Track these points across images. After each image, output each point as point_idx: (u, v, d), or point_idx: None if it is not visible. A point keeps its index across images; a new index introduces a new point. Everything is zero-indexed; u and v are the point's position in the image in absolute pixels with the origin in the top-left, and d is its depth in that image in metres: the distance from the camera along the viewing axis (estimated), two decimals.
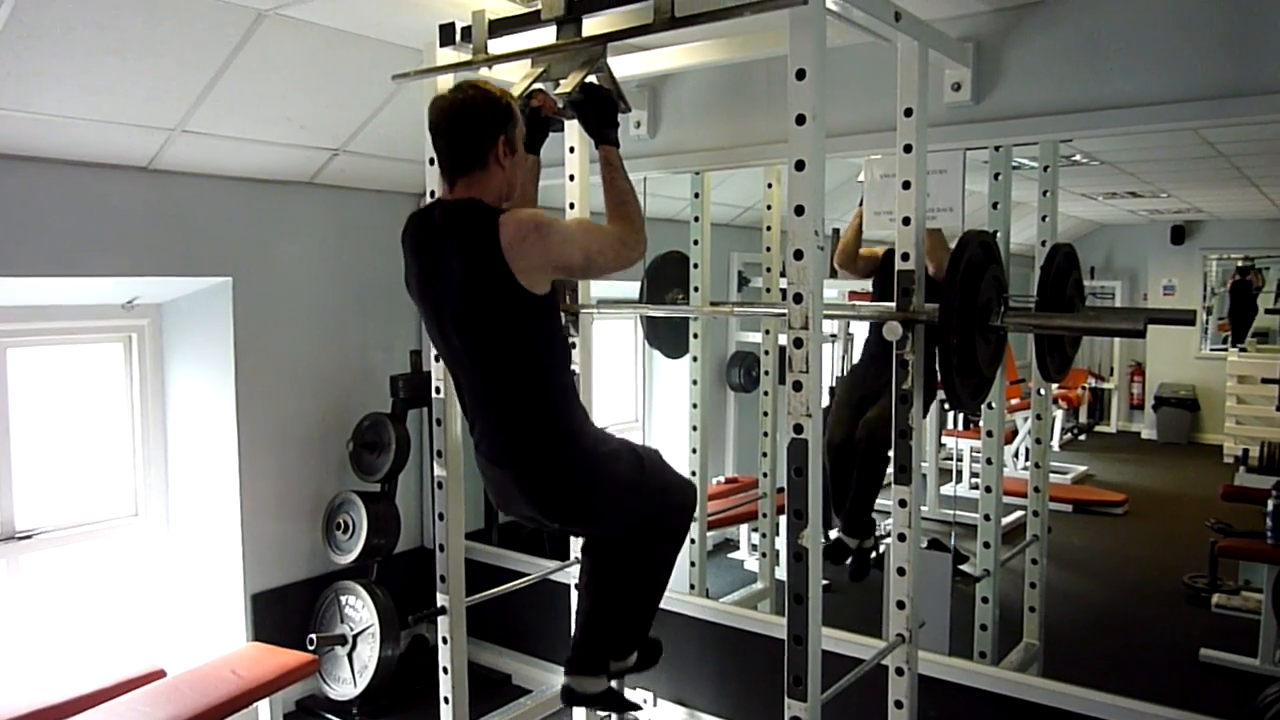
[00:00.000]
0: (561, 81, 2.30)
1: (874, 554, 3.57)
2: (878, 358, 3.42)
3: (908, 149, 2.27)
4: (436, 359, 2.74)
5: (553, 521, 2.37)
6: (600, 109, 2.34)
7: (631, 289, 3.86)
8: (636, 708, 2.66)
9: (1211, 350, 8.82)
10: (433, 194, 2.73)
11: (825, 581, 1.96)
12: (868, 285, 3.86)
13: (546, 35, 2.35)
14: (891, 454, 2.35)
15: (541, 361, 2.22)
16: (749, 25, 2.23)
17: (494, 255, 2.07)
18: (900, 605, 2.33)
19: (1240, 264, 8.53)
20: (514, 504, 2.37)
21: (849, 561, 3.55)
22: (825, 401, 3.89)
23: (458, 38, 2.51)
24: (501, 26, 2.42)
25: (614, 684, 2.58)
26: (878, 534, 3.55)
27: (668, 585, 2.54)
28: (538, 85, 2.40)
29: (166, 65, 2.80)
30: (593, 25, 2.31)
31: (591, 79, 2.33)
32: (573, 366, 2.31)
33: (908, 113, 2.27)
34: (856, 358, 4.39)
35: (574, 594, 2.57)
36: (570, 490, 2.29)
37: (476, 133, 2.13)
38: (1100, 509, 6.30)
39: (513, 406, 2.24)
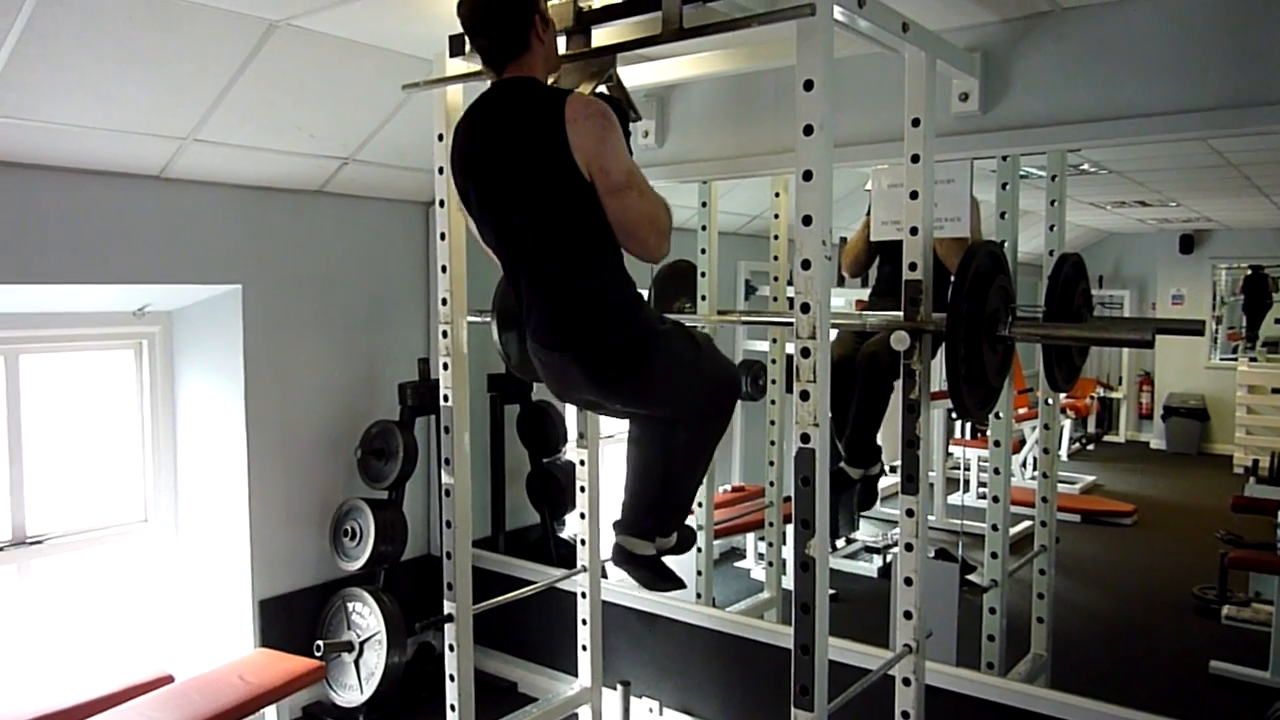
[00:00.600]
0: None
1: (880, 478, 3.54)
2: (886, 295, 3.40)
3: (915, 159, 2.28)
4: (445, 367, 2.75)
5: (613, 400, 2.38)
6: None
7: (636, 286, 3.87)
8: (682, 584, 2.67)
9: (1221, 360, 8.81)
10: (441, 203, 2.74)
11: (832, 591, 1.96)
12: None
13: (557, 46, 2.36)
14: (894, 381, 2.33)
15: (601, 238, 2.19)
16: (757, 36, 2.24)
17: (557, 129, 2.06)
18: (907, 615, 2.33)
19: (1250, 275, 8.52)
20: (573, 387, 2.38)
21: (857, 490, 3.50)
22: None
23: (468, 48, 2.51)
24: None
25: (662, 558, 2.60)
26: (884, 461, 3.52)
27: (709, 466, 2.61)
28: None
29: (179, 75, 2.82)
30: (602, 36, 2.32)
31: (602, 89, 2.34)
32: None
33: (915, 123, 2.28)
34: None
35: (625, 471, 2.59)
36: (631, 367, 2.28)
37: (513, 18, 2.14)
38: (1109, 519, 6.28)
39: (575, 283, 2.22)
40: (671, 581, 2.66)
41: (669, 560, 2.64)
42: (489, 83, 2.24)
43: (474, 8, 2.15)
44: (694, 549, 3.73)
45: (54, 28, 2.43)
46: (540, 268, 2.23)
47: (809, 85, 1.81)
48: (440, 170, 2.74)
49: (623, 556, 2.57)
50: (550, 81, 2.31)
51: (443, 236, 2.75)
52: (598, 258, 2.21)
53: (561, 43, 2.34)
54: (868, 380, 3.33)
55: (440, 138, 2.72)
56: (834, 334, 3.51)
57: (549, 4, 2.24)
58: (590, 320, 2.23)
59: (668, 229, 2.22)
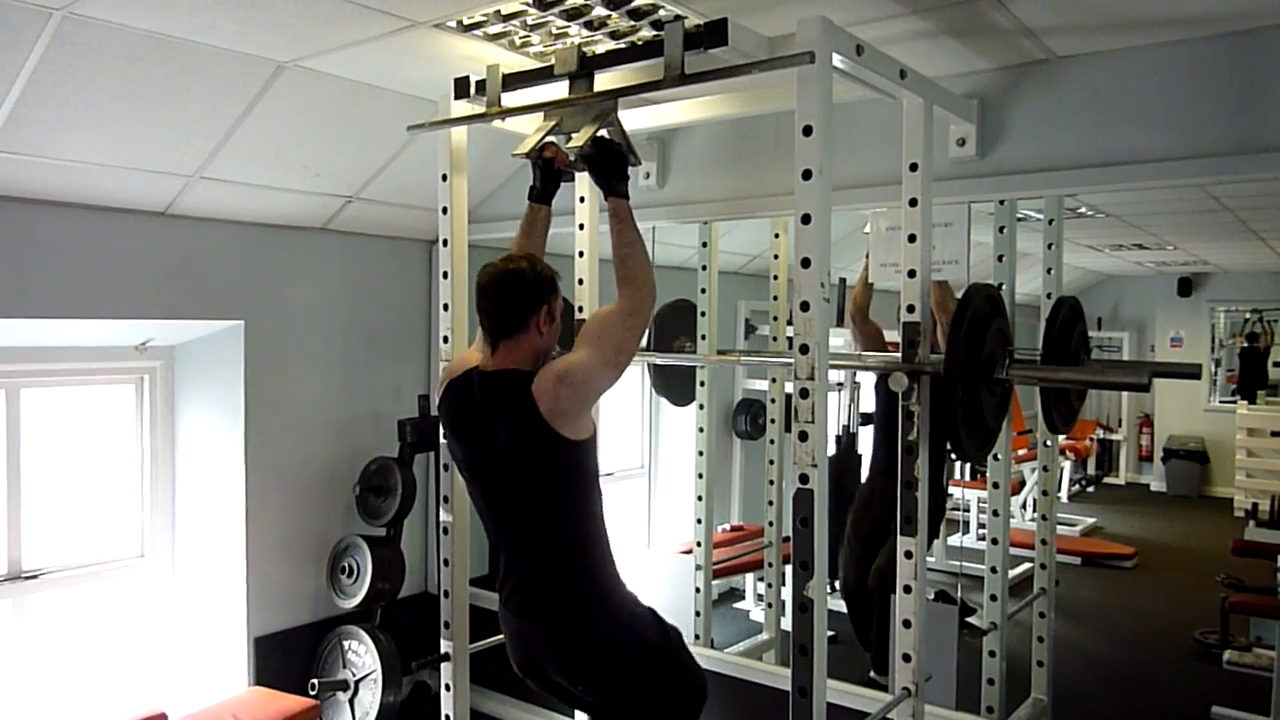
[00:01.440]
0: (574, 135, 2.35)
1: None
2: (883, 477, 3.50)
3: (913, 203, 2.31)
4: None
5: (575, 683, 2.36)
6: (611, 163, 2.38)
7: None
8: None
9: (1220, 402, 8.82)
10: (445, 241, 2.77)
11: (831, 633, 1.95)
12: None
13: (559, 89, 2.40)
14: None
15: (584, 513, 2.30)
16: (757, 81, 2.28)
17: (536, 421, 2.18)
18: (906, 658, 2.32)
19: (1248, 321, 8.54)
20: (538, 664, 2.38)
21: None
22: (831, 450, 3.92)
23: (472, 91, 2.56)
24: (515, 80, 2.47)
25: None
26: None
27: None
28: (550, 138, 2.45)
29: (187, 114, 2.86)
30: (604, 81, 2.36)
31: (603, 133, 2.38)
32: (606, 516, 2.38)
33: (913, 167, 2.31)
34: (865, 406, 4.42)
35: None
36: (598, 649, 2.31)
37: (523, 301, 2.26)
38: (1109, 562, 6.26)
39: (551, 559, 2.31)
40: None
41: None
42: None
43: (493, 278, 2.28)
44: (693, 589, 3.75)
45: (64, 67, 2.47)
46: (525, 546, 2.33)
47: (808, 131, 1.84)
48: (444, 210, 2.77)
49: None
50: (548, 127, 2.40)
51: (445, 275, 2.77)
52: (576, 537, 2.30)
53: (565, 87, 2.38)
54: (884, 602, 3.41)
55: (444, 178, 2.76)
56: (844, 555, 3.76)
57: (544, 49, 2.28)
58: (562, 597, 2.30)
59: (645, 279, 2.32)
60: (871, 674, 3.47)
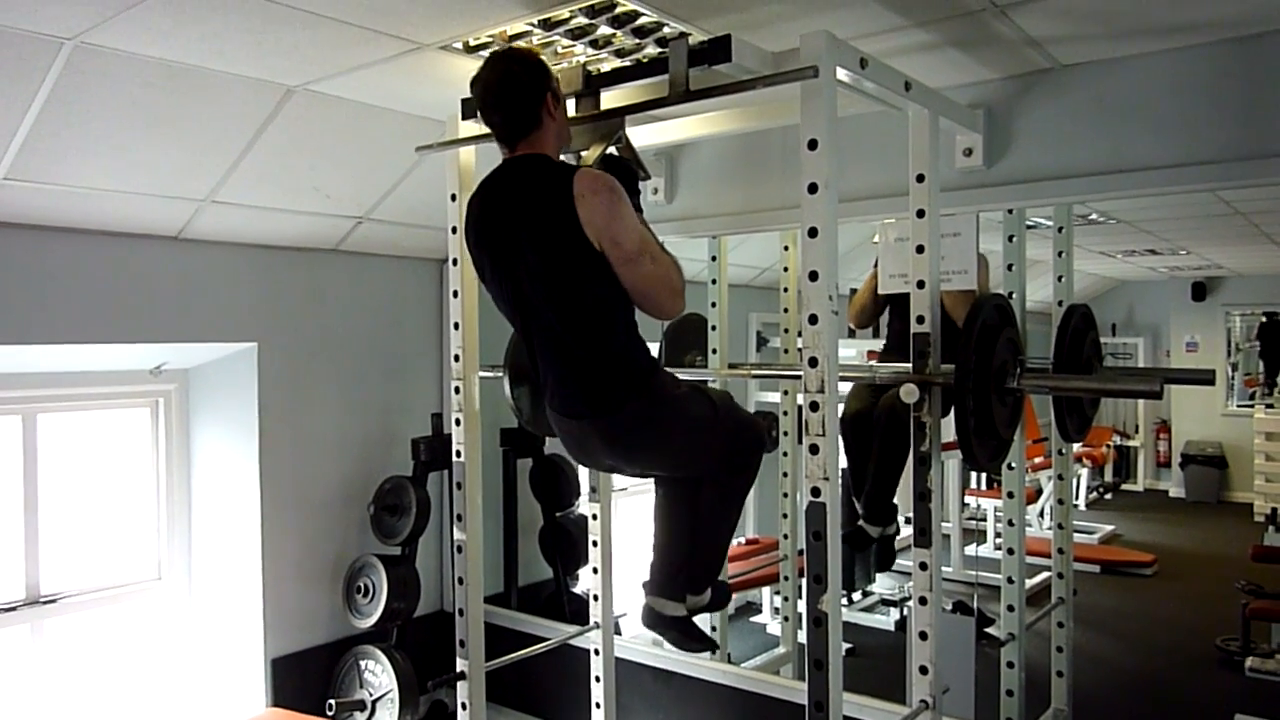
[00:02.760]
0: (583, 154, 2.36)
1: (897, 535, 3.50)
2: (895, 350, 3.41)
3: (920, 214, 2.30)
4: (457, 422, 2.77)
5: (632, 466, 2.40)
6: (621, 179, 2.38)
7: (650, 351, 3.89)
8: (713, 646, 2.64)
9: (1238, 406, 8.75)
10: (454, 261, 2.78)
11: (848, 645, 1.94)
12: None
13: (567, 109, 2.42)
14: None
15: (613, 308, 2.24)
16: (762, 96, 2.28)
17: (566, 204, 2.10)
18: (923, 670, 2.30)
19: (1265, 321, 8.49)
20: (592, 454, 2.41)
21: (873, 549, 3.46)
22: (844, 462, 3.90)
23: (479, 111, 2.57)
24: None
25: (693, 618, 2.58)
26: (900, 519, 3.48)
27: (738, 521, 2.57)
28: (561, 158, 2.46)
29: (198, 139, 2.89)
30: (610, 98, 2.38)
31: (612, 150, 2.39)
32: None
33: (920, 178, 2.31)
34: None
35: (652, 526, 2.59)
36: (649, 433, 2.32)
37: (525, 97, 2.20)
38: (1128, 569, 6.20)
39: (589, 352, 2.25)
40: (702, 642, 2.64)
41: (700, 620, 2.62)
42: (501, 156, 2.29)
43: (487, 86, 2.22)
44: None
45: (76, 95, 2.50)
46: (555, 339, 2.27)
47: (813, 144, 1.85)
48: (454, 229, 2.78)
49: (652, 618, 2.56)
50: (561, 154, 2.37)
51: (455, 294, 2.78)
52: (610, 328, 2.25)
53: (571, 105, 2.39)
54: (886, 434, 3.31)
55: (453, 198, 2.78)
56: (848, 389, 3.54)
57: (559, 79, 2.29)
58: (606, 389, 2.26)
59: (681, 288, 2.27)
60: (860, 523, 3.37)
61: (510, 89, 2.20)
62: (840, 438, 3.72)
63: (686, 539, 2.52)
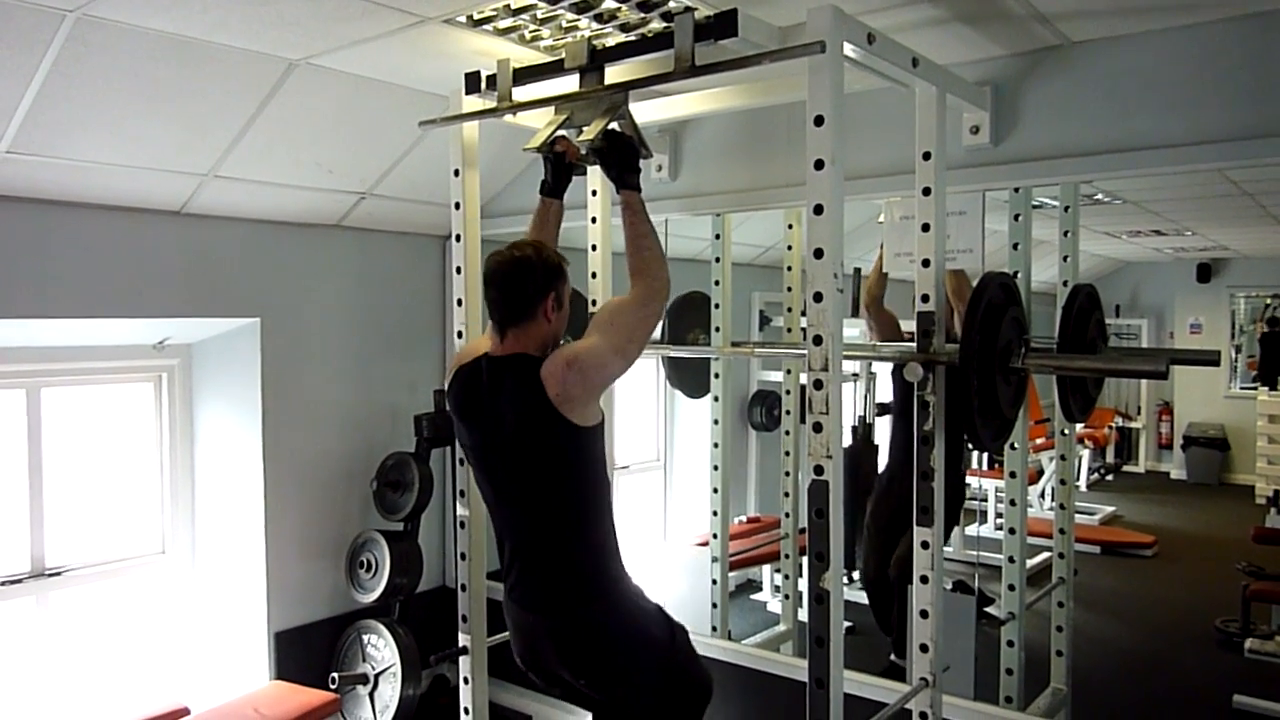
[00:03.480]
0: (585, 128, 2.34)
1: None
2: (901, 467, 3.47)
3: (926, 192, 2.29)
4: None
5: (579, 677, 2.34)
6: (622, 156, 2.38)
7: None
8: None
9: (1241, 389, 8.74)
10: (458, 237, 2.78)
11: (848, 624, 1.95)
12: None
13: (569, 83, 2.40)
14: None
15: (591, 502, 2.29)
16: (768, 72, 2.27)
17: (543, 405, 2.17)
18: (924, 649, 2.32)
19: (1269, 306, 8.46)
20: (541, 656, 2.37)
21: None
22: (847, 440, 3.91)
23: (483, 85, 2.56)
24: (526, 75, 2.47)
25: None
26: None
27: None
28: (561, 132, 2.45)
29: (200, 114, 2.88)
30: (614, 73, 2.36)
31: (614, 126, 2.37)
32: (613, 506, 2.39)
33: (926, 156, 2.29)
34: (879, 397, 4.41)
35: None
36: (601, 642, 2.30)
37: (530, 288, 2.26)
38: (1129, 550, 6.22)
39: (557, 549, 2.30)
40: None
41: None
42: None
43: (499, 265, 2.27)
44: (710, 581, 3.74)
45: (78, 68, 2.48)
46: (530, 534, 2.31)
47: (819, 121, 1.83)
48: (457, 205, 2.77)
49: None
50: (559, 120, 2.38)
51: (459, 270, 2.78)
52: (582, 526, 2.28)
53: (574, 81, 2.38)
54: (904, 590, 3.39)
55: (456, 173, 2.77)
56: (865, 546, 3.74)
57: (554, 44, 2.27)
58: (567, 589, 2.29)
59: (658, 271, 2.31)
60: (892, 657, 3.45)
61: (519, 276, 2.25)
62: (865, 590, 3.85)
63: None
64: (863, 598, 4.93)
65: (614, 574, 2.32)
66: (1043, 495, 6.26)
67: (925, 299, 2.30)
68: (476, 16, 2.47)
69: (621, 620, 2.30)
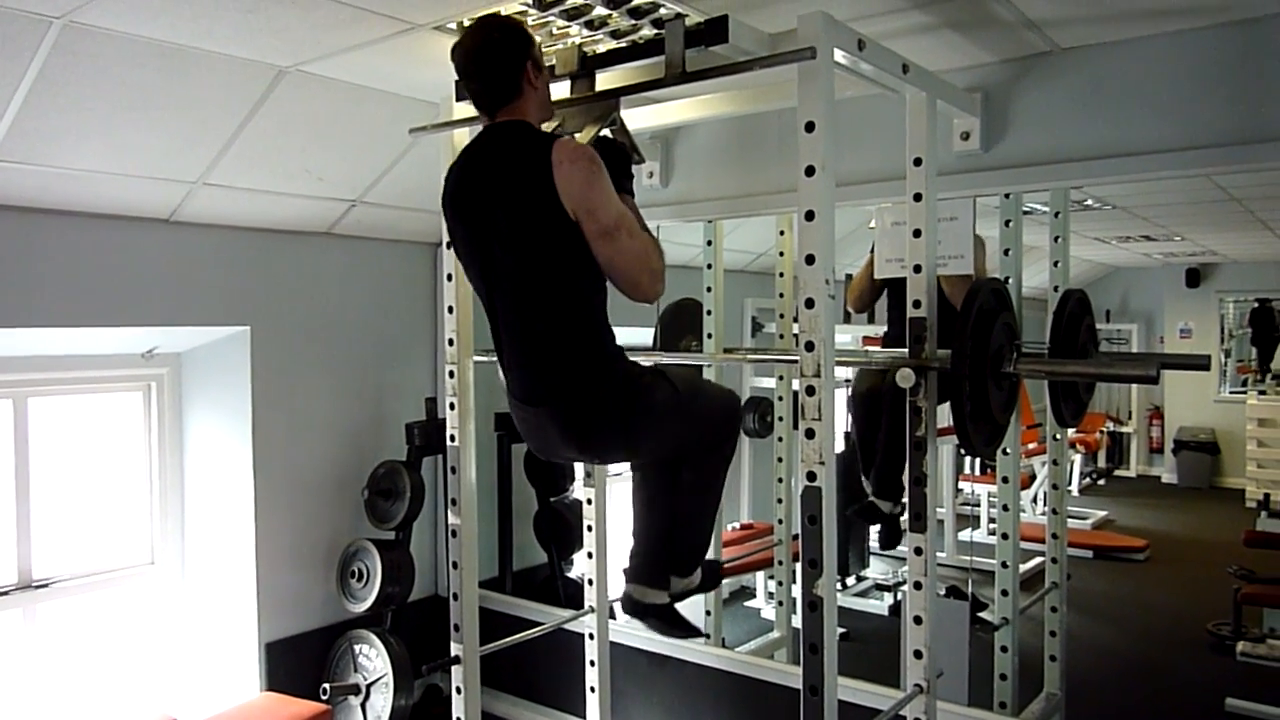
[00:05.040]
0: (577, 135, 2.34)
1: (903, 515, 3.51)
2: (896, 339, 3.43)
3: (917, 198, 2.29)
4: (451, 406, 2.76)
5: (594, 457, 2.34)
6: (615, 162, 2.36)
7: (645, 336, 3.88)
8: (697, 632, 2.58)
9: (1231, 393, 8.79)
10: (449, 244, 2.76)
11: (842, 630, 1.94)
12: (882, 329, 3.88)
13: (561, 90, 2.40)
14: None
15: (583, 288, 2.18)
16: (759, 78, 2.27)
17: (543, 172, 2.05)
18: (917, 655, 2.31)
19: (1256, 308, 8.52)
20: (552, 444, 2.33)
21: (880, 526, 3.46)
22: (840, 447, 3.89)
23: None
24: None
25: (676, 604, 2.52)
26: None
27: (722, 497, 2.50)
28: None
29: (189, 121, 2.86)
30: (606, 80, 2.36)
31: (605, 132, 2.37)
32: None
33: (917, 162, 2.29)
34: None
35: (632, 523, 2.52)
36: (609, 422, 2.25)
37: (506, 64, 2.15)
38: (1121, 555, 6.23)
39: (550, 333, 2.20)
40: (685, 629, 2.58)
41: (691, 604, 2.58)
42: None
43: (466, 53, 2.18)
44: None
45: (66, 75, 2.47)
46: (520, 315, 2.22)
47: (810, 127, 1.83)
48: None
49: (633, 606, 2.50)
50: (550, 127, 2.33)
51: (449, 277, 2.77)
52: (577, 309, 2.19)
53: (566, 87, 2.37)
54: (895, 410, 3.31)
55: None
56: (844, 374, 3.54)
57: (543, 50, 2.26)
58: (566, 374, 2.20)
59: (660, 269, 2.20)
60: (872, 498, 3.39)
61: (490, 55, 2.15)
62: (851, 414, 3.74)
63: (666, 522, 2.45)
64: (857, 604, 4.95)
65: (610, 353, 2.25)
66: (1035, 500, 6.27)
67: (917, 304, 2.30)
68: (467, 23, 2.46)
69: (623, 397, 2.24)
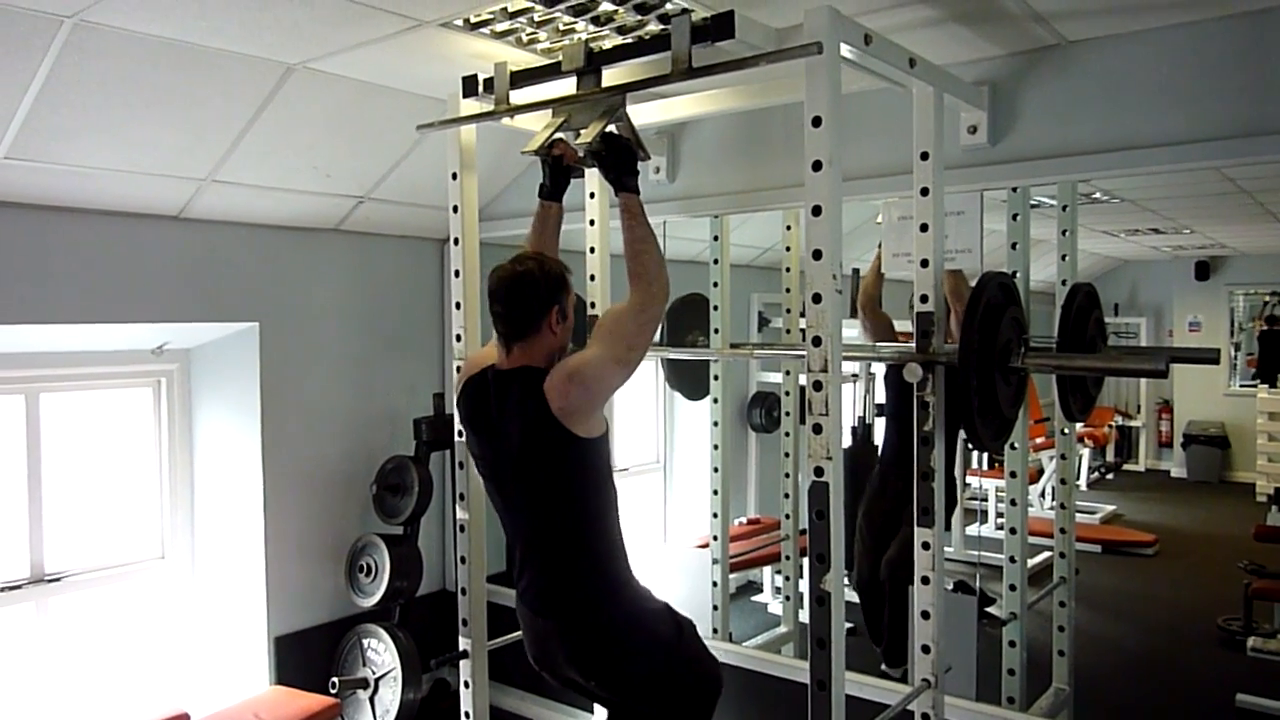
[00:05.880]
0: (582, 131, 2.34)
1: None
2: (892, 468, 3.51)
3: (925, 192, 2.29)
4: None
5: (589, 679, 2.36)
6: (620, 158, 2.37)
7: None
8: None
9: (1241, 386, 8.73)
10: (456, 240, 2.77)
11: (850, 625, 1.94)
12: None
13: (567, 86, 2.40)
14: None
15: (597, 510, 2.31)
16: (766, 73, 2.27)
17: (547, 419, 2.19)
18: (925, 649, 2.31)
19: (1267, 304, 8.46)
20: (552, 659, 2.39)
21: None
22: (847, 441, 3.91)
23: (480, 89, 2.56)
24: (523, 78, 2.47)
25: None
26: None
27: None
28: (559, 134, 2.45)
29: (198, 118, 2.88)
30: (612, 76, 2.35)
31: (611, 129, 2.37)
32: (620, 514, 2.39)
33: (924, 156, 2.29)
34: (878, 396, 4.40)
35: None
36: (609, 644, 2.32)
37: (533, 302, 2.27)
38: (1130, 549, 6.21)
39: (564, 555, 2.32)
40: None
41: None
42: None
43: (500, 282, 2.28)
44: (710, 583, 3.74)
45: (76, 74, 2.48)
46: (538, 541, 2.34)
47: (817, 121, 1.83)
48: (455, 209, 2.77)
49: None
50: (556, 123, 2.38)
51: (457, 274, 2.78)
52: (593, 531, 2.30)
53: (572, 83, 2.37)
54: (894, 594, 3.43)
55: (454, 176, 2.76)
56: (856, 548, 3.68)
57: (550, 46, 2.26)
58: (575, 593, 2.31)
59: (657, 274, 2.29)
60: (883, 667, 3.46)
61: (524, 292, 2.26)
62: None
63: None
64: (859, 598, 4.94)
65: (621, 578, 2.34)
66: (1043, 494, 6.25)
67: (924, 299, 2.30)
68: (473, 20, 2.47)
69: (628, 622, 2.32)
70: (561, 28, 2.56)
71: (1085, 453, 8.08)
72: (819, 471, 1.86)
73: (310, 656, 3.87)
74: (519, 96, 2.49)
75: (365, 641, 3.90)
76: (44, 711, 3.45)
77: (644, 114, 2.89)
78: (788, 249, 4.10)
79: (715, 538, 3.82)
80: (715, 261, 3.78)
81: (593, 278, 3.04)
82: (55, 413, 3.54)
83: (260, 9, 2.31)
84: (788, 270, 4.09)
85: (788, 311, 4.11)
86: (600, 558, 2.31)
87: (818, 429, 1.86)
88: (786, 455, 4.17)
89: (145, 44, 2.46)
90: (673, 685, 2.37)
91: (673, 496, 5.12)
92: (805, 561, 1.90)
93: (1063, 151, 2.65)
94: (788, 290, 4.08)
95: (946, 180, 2.36)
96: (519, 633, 3.04)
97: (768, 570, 4.95)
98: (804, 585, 4.00)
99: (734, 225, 3.90)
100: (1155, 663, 4.45)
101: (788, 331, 4.13)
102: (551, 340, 2.30)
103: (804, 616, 3.96)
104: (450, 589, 4.35)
